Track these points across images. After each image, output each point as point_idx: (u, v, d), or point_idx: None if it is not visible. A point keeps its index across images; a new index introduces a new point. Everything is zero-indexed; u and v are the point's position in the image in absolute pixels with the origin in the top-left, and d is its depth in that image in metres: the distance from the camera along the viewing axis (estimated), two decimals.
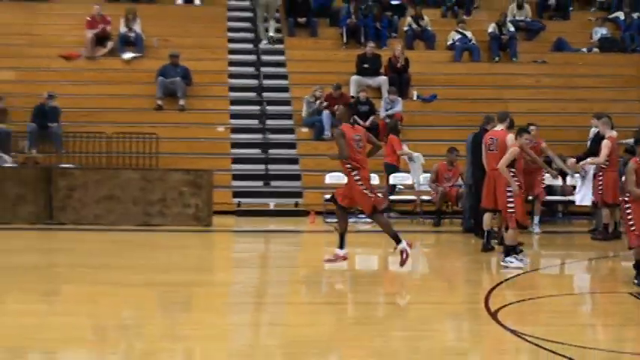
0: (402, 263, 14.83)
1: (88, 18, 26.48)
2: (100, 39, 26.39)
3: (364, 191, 14.85)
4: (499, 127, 16.74)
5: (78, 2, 27.98)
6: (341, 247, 15.25)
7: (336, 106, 24.43)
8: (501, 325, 11.31)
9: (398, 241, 14.92)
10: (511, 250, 15.48)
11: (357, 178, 14.88)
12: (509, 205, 15.45)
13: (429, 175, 21.94)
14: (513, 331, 10.85)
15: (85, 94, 24.53)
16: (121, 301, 12.95)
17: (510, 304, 12.78)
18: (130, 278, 14.48)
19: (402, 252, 14.80)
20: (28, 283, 14.15)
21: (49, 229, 19.13)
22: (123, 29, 26.58)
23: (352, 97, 25.45)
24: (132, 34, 26.51)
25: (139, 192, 19.87)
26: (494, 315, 11.83)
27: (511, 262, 15.35)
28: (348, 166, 14.92)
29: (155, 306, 13.07)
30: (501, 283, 14.43)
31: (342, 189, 15.35)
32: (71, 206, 19.80)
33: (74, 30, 26.74)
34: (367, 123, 24.52)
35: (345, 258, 15.34)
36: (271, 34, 27.96)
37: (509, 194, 15.37)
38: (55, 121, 22.60)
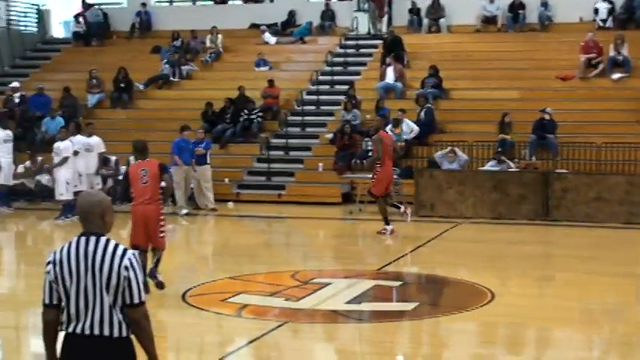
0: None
1: (582, 44, 26.16)
2: (592, 62, 26.00)
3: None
4: None
5: (573, 31, 27.74)
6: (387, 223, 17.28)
7: None
8: None
9: (387, 222, 17.23)
10: None
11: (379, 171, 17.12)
12: None
13: None
14: None
15: (577, 109, 24.24)
16: (605, 288, 12.74)
17: None
18: (612, 269, 14.19)
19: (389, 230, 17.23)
20: (526, 270, 14.30)
21: (545, 225, 19.14)
22: (612, 53, 25.98)
23: None
24: (620, 57, 25.83)
25: (624, 194, 19.32)
26: None
27: None
28: (378, 163, 17.11)
29: (635, 294, 12.70)
30: None
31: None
32: (564, 205, 19.66)
33: (569, 54, 26.50)
34: None
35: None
36: None
37: None
38: (551, 132, 22.55)
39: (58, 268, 5.29)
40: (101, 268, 5.23)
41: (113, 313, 5.26)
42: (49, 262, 5.34)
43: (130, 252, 5.31)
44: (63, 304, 5.33)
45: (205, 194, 21.27)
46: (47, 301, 5.37)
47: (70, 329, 5.29)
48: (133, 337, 5.35)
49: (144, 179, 11.79)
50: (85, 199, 5.46)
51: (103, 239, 5.31)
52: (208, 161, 21.47)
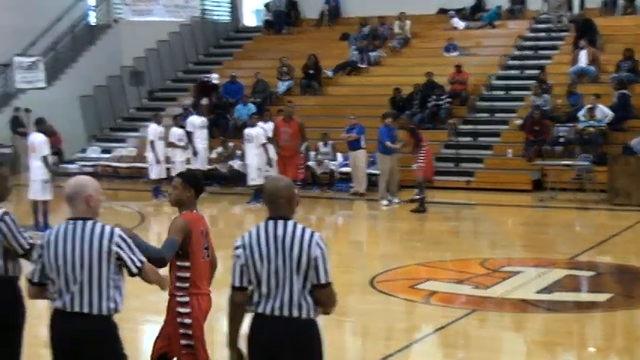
0: None
1: None
2: None
3: None
4: None
5: None
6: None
7: None
8: None
9: None
10: None
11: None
12: None
13: None
14: None
15: None
16: None
17: None
18: None
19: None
20: None
21: None
22: None
23: None
24: None
25: None
26: None
27: None
28: None
29: None
30: None
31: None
32: None
33: None
34: None
35: None
36: None
37: None
38: None
39: (248, 252, 5.42)
40: (291, 250, 5.34)
41: (302, 295, 5.36)
42: (238, 247, 5.47)
43: (316, 234, 5.42)
44: (252, 286, 5.44)
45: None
46: (237, 284, 5.49)
47: (260, 310, 5.41)
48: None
49: None
50: (273, 184, 5.60)
51: (290, 222, 5.44)
52: (363, 146, 21.34)
